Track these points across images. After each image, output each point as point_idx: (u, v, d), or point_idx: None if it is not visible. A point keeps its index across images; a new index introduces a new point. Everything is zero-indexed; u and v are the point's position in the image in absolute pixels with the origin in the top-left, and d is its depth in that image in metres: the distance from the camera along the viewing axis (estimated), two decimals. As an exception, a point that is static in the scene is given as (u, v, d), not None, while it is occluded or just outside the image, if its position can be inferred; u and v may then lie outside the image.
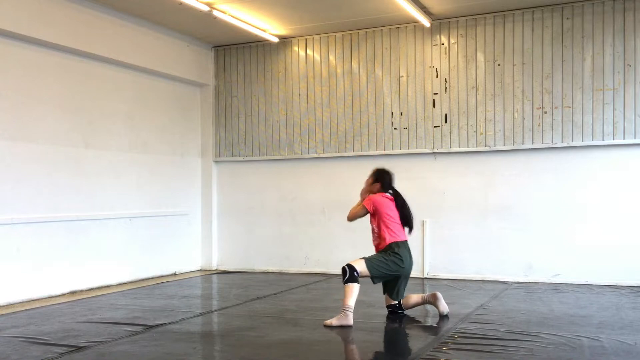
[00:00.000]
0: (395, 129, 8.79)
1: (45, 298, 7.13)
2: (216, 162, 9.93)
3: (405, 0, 7.57)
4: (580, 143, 7.88)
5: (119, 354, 4.58)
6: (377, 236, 5.94)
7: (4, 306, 6.64)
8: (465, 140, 8.43)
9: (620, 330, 5.17)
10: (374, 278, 5.76)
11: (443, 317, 5.80)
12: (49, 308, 6.50)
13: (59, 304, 6.76)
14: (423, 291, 7.59)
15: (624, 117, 7.69)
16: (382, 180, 5.97)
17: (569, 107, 7.94)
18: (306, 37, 9.30)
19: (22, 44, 7.01)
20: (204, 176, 9.93)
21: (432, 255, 8.63)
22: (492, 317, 5.73)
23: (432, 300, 5.89)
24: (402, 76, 8.78)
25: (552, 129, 8.03)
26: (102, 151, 8.06)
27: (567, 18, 7.96)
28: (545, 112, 8.05)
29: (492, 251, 8.32)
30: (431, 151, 8.60)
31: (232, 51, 9.82)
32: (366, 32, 8.97)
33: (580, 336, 4.94)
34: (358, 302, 6.64)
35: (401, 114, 8.76)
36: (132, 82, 8.58)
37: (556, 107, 8.01)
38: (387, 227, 5.80)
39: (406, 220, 5.86)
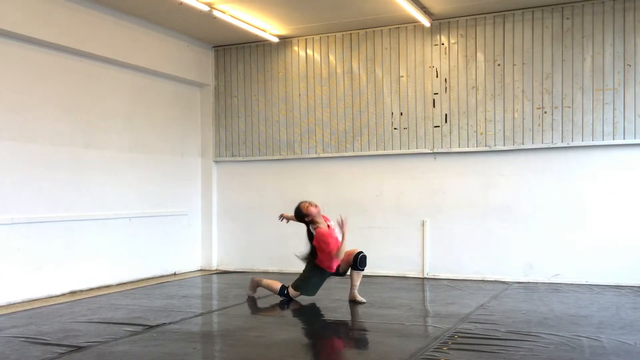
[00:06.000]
0: (395, 129, 8.79)
1: (45, 298, 7.13)
2: (216, 162, 9.93)
3: (405, 0, 7.57)
4: (580, 143, 7.88)
5: (119, 354, 4.58)
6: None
7: (4, 306, 6.64)
8: (465, 140, 8.43)
9: (620, 330, 5.17)
10: None
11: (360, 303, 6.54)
12: (49, 308, 6.50)
13: (59, 304, 6.76)
14: (423, 291, 7.60)
15: (624, 117, 7.69)
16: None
17: (569, 107, 7.94)
18: (306, 37, 9.30)
19: (22, 44, 7.01)
20: (204, 176, 9.93)
21: (432, 255, 8.64)
22: (492, 317, 5.73)
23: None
24: (402, 76, 8.78)
25: (552, 129, 8.03)
26: (102, 151, 8.06)
27: (567, 18, 7.96)
28: (545, 112, 8.05)
29: (492, 251, 8.32)
30: (431, 151, 8.60)
31: (232, 51, 9.82)
32: (366, 32, 8.97)
33: (580, 336, 4.94)
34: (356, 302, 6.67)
35: (401, 114, 8.77)
36: (132, 82, 8.58)
37: (556, 107, 8.01)
38: None
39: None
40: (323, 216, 6.83)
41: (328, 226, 6.70)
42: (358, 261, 6.60)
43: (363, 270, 6.68)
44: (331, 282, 8.20)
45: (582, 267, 7.85)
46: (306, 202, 6.78)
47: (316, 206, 6.73)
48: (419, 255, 8.68)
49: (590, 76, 7.86)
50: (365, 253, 6.70)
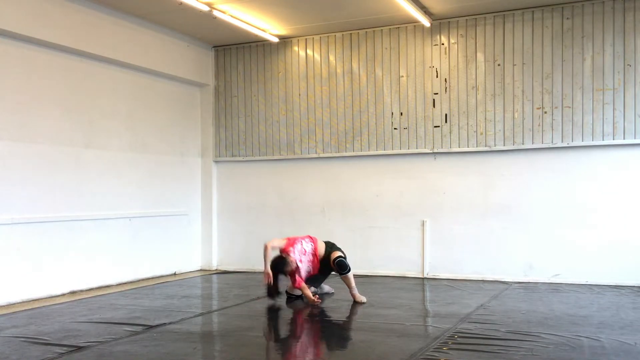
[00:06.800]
0: (395, 129, 8.79)
1: (45, 298, 7.13)
2: (216, 162, 9.93)
3: (405, 0, 7.57)
4: (580, 143, 7.88)
5: (119, 354, 4.58)
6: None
7: (4, 306, 6.64)
8: (465, 140, 8.43)
9: (620, 330, 5.17)
10: None
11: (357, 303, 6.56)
12: (49, 308, 6.50)
13: (59, 304, 6.77)
14: (423, 291, 7.60)
15: (624, 117, 7.69)
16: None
17: (569, 107, 7.94)
18: (306, 37, 9.30)
19: (22, 44, 7.01)
20: (204, 176, 9.93)
21: (432, 255, 8.63)
22: (492, 317, 5.73)
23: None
24: (402, 76, 8.78)
25: (552, 129, 8.03)
26: (102, 151, 8.06)
27: (567, 18, 7.96)
28: (545, 112, 8.05)
29: (492, 251, 8.32)
30: (431, 151, 8.60)
31: (232, 51, 9.82)
32: (366, 32, 8.97)
33: (580, 336, 4.94)
34: (357, 302, 6.68)
35: (401, 114, 8.77)
36: (132, 82, 8.58)
37: (556, 107, 8.01)
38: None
39: None
40: (295, 241, 6.79)
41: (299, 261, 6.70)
42: (337, 267, 6.64)
43: (346, 273, 6.65)
44: (331, 282, 8.20)
45: (582, 267, 7.85)
46: (290, 259, 6.63)
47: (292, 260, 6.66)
48: (419, 255, 8.68)
49: (590, 76, 7.85)
50: (343, 255, 6.71)
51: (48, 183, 7.29)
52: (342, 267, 6.62)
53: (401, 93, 8.78)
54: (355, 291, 6.71)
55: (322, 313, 6.27)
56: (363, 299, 6.63)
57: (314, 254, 6.78)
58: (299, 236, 6.93)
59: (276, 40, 9.28)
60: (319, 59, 9.26)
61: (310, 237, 6.93)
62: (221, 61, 9.90)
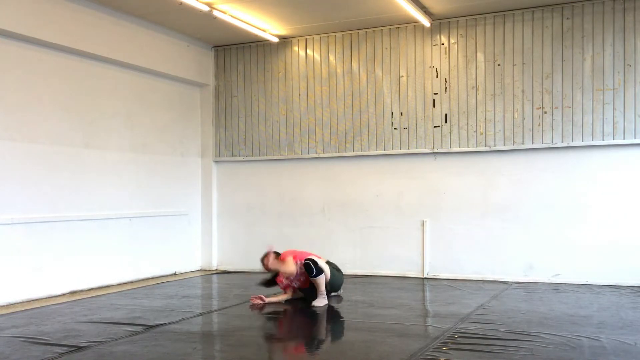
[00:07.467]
0: (395, 129, 8.79)
1: (45, 298, 7.13)
2: (216, 162, 9.93)
3: (405, 0, 7.57)
4: (580, 143, 7.88)
5: (119, 354, 4.58)
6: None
7: (4, 306, 6.64)
8: (465, 140, 8.43)
9: (620, 330, 5.17)
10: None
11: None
12: (49, 308, 6.50)
13: (59, 304, 6.76)
14: (423, 291, 7.60)
15: (624, 117, 7.69)
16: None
17: (569, 107, 7.94)
18: (306, 37, 9.30)
19: (22, 44, 7.01)
20: (204, 176, 9.93)
21: (432, 255, 8.63)
22: (492, 317, 5.73)
23: None
24: (402, 76, 8.78)
25: (552, 129, 8.03)
26: (102, 151, 8.06)
27: (567, 18, 7.96)
28: (545, 112, 8.05)
29: (492, 251, 8.32)
30: (431, 151, 8.60)
31: (232, 51, 9.82)
32: (366, 32, 8.97)
33: (580, 336, 4.94)
34: (358, 302, 6.68)
35: (401, 114, 8.77)
36: (132, 82, 8.58)
37: (556, 107, 8.01)
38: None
39: None
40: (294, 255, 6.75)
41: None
42: (305, 268, 6.52)
43: (314, 277, 6.49)
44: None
45: (582, 267, 7.85)
46: (267, 257, 6.71)
47: (276, 257, 6.70)
48: (419, 255, 8.68)
49: (590, 76, 7.86)
50: (314, 260, 6.52)
51: (48, 183, 7.30)
52: (307, 269, 6.47)
53: (401, 93, 8.78)
54: (322, 296, 6.53)
55: (322, 313, 6.27)
56: (321, 304, 6.46)
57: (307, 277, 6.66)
58: (307, 252, 6.85)
59: (276, 40, 9.28)
60: (319, 59, 9.26)
61: (316, 257, 6.78)
62: (221, 61, 9.90)
